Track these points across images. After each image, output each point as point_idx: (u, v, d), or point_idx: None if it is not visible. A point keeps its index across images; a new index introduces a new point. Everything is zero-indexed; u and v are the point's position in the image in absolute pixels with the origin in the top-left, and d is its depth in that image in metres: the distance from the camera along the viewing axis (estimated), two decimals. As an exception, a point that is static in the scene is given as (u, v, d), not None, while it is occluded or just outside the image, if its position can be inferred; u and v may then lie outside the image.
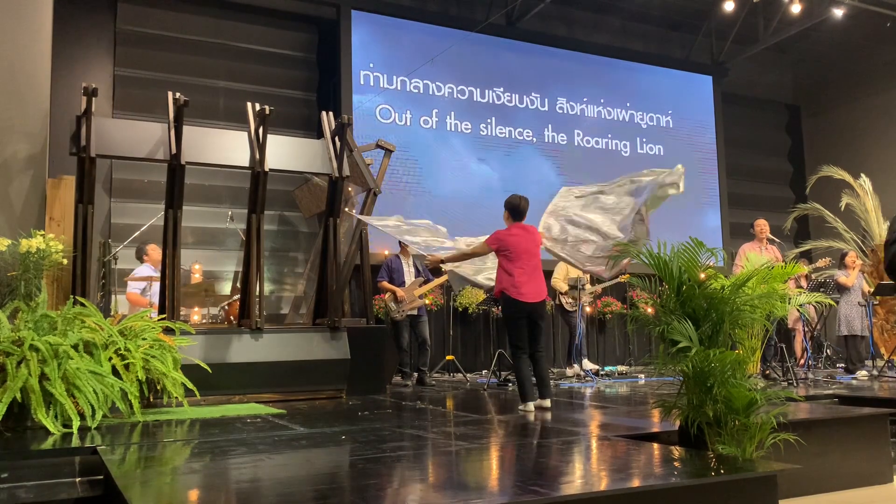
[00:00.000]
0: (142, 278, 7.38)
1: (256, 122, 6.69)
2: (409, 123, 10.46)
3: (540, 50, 11.58)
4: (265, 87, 9.86)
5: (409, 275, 7.99)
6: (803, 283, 8.82)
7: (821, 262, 8.65)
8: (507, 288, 5.35)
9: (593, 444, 4.03)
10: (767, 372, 7.72)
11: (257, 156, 6.60)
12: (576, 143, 11.70)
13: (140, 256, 7.60)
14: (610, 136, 12.03)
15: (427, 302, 8.34)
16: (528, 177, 11.08)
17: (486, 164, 10.88)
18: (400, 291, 7.85)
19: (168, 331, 5.48)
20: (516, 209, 5.56)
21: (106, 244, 7.58)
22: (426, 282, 8.00)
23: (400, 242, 8.08)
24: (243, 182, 7.61)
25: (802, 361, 8.65)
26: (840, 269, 8.83)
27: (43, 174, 6.42)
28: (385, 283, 7.98)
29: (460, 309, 9.70)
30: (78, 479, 3.48)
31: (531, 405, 5.32)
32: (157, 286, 7.04)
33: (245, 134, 6.78)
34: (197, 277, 7.95)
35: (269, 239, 9.56)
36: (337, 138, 6.98)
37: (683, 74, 12.82)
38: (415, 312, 7.94)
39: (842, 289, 8.62)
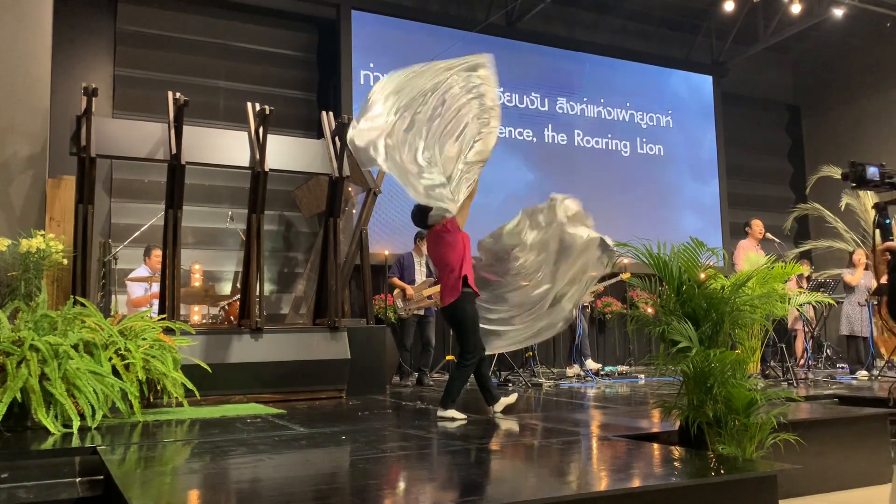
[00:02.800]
0: (138, 278, 7.37)
1: (256, 122, 6.69)
2: (409, 123, 10.44)
3: (540, 50, 11.57)
4: (265, 87, 9.86)
5: (419, 274, 8.01)
6: (803, 283, 8.82)
7: (804, 269, 8.56)
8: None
9: (593, 444, 4.03)
10: (767, 372, 7.72)
11: (257, 156, 6.60)
12: (576, 143, 11.70)
13: (145, 258, 7.60)
14: (610, 136, 12.03)
15: (429, 302, 8.35)
16: (526, 176, 11.09)
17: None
18: (409, 289, 7.86)
19: (168, 331, 5.47)
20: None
21: (106, 244, 7.59)
22: (436, 283, 8.00)
23: (415, 241, 8.07)
24: (243, 182, 7.61)
25: (802, 361, 8.65)
26: (847, 268, 8.84)
27: (43, 174, 6.42)
28: (396, 280, 7.98)
29: (460, 309, 9.68)
30: (78, 479, 3.48)
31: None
32: (156, 286, 7.05)
33: (245, 134, 6.78)
34: (197, 278, 7.96)
35: (269, 239, 9.56)
36: (337, 138, 6.98)
37: (683, 74, 12.83)
38: (421, 312, 7.94)
39: (847, 287, 8.63)
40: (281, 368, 6.29)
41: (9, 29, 6.31)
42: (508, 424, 4.82)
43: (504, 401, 5.27)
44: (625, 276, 8.74)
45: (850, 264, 8.82)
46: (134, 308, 7.29)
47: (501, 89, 11.20)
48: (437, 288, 7.95)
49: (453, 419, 4.95)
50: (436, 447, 4.07)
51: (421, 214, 5.17)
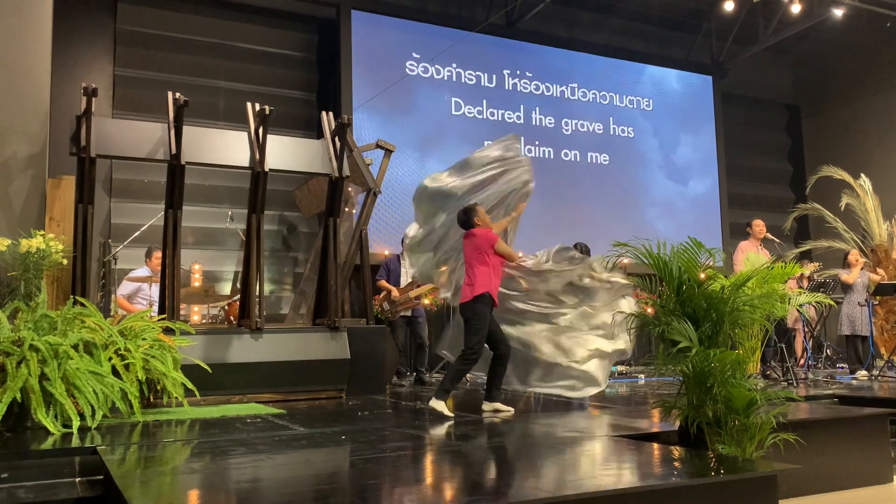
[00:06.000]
0: (138, 278, 7.37)
1: (256, 122, 6.69)
2: (409, 123, 10.45)
3: (540, 50, 11.58)
4: (265, 87, 9.86)
5: (405, 276, 8.01)
6: (804, 283, 8.82)
7: (808, 268, 8.60)
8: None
9: (593, 444, 4.03)
10: (768, 372, 7.71)
11: (257, 156, 6.60)
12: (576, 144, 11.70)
13: (146, 258, 7.60)
14: (610, 135, 12.03)
15: (427, 302, 8.35)
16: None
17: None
18: (395, 291, 7.87)
19: (168, 331, 5.47)
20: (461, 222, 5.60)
21: (106, 244, 7.59)
22: (420, 285, 8.00)
23: (403, 243, 8.06)
24: (243, 182, 7.61)
25: (802, 361, 8.65)
26: (843, 269, 8.84)
27: (43, 174, 6.42)
28: (383, 283, 8.01)
29: (460, 309, 9.69)
30: (78, 479, 3.48)
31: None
32: (155, 287, 7.04)
33: (245, 134, 6.78)
34: (197, 278, 7.96)
35: (269, 239, 9.56)
36: (337, 138, 6.98)
37: (683, 74, 12.83)
38: (409, 313, 7.96)
39: (845, 287, 8.62)
40: (281, 368, 6.29)
41: (9, 29, 6.31)
42: (508, 424, 4.82)
43: (500, 407, 5.31)
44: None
45: (846, 265, 8.81)
46: (119, 306, 7.24)
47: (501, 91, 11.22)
48: (424, 289, 7.97)
49: (442, 414, 5.05)
50: (435, 447, 4.07)
51: (465, 215, 5.48)
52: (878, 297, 8.83)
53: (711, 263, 4.14)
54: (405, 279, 8.00)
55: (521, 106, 11.33)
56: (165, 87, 7.06)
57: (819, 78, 14.01)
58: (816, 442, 4.43)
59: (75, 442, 3.99)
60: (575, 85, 11.80)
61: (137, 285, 7.37)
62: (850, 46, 12.90)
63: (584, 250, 8.87)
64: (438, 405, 5.14)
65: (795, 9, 10.86)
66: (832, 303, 8.09)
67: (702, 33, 12.79)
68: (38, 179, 6.36)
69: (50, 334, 4.57)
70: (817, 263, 8.48)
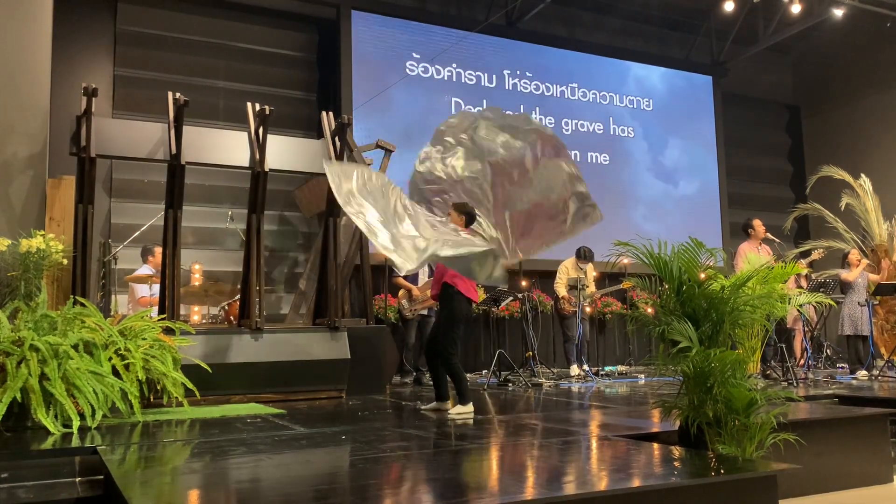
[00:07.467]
0: (141, 277, 7.37)
1: (256, 122, 6.69)
2: (409, 123, 10.44)
3: (540, 50, 11.58)
4: (265, 87, 9.85)
5: (423, 273, 8.03)
6: (803, 283, 8.81)
7: (815, 255, 8.64)
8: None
9: (593, 444, 4.03)
10: (768, 372, 7.72)
11: (257, 156, 6.61)
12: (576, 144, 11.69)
13: (145, 257, 7.60)
14: (610, 135, 12.03)
15: (433, 302, 8.36)
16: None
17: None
18: (416, 290, 7.86)
19: (168, 331, 5.48)
20: (471, 216, 5.50)
21: (106, 244, 7.59)
22: None
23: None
24: (243, 182, 7.61)
25: (802, 361, 8.65)
26: (843, 269, 8.85)
27: (43, 174, 6.42)
28: (401, 280, 8.01)
29: (460, 309, 9.68)
30: (78, 479, 3.48)
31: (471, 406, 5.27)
32: (156, 286, 7.04)
33: (245, 134, 6.79)
34: (197, 278, 7.96)
35: (269, 239, 9.55)
36: (337, 138, 6.98)
37: (683, 74, 12.83)
38: (425, 312, 7.95)
39: (845, 286, 8.61)
40: (281, 368, 6.29)
41: (9, 29, 6.31)
42: (508, 424, 4.82)
43: (440, 406, 5.43)
44: (625, 284, 8.75)
45: (846, 264, 8.81)
46: (140, 307, 7.28)
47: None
48: None
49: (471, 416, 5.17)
50: (435, 447, 4.07)
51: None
52: (878, 297, 8.83)
53: (712, 263, 4.13)
54: (423, 277, 8.01)
55: (521, 106, 11.32)
56: (165, 87, 7.06)
57: (819, 78, 14.01)
58: (816, 442, 4.43)
59: (75, 442, 3.99)
60: (575, 85, 11.80)
61: (146, 284, 7.39)
62: (850, 46, 12.90)
63: (588, 255, 8.87)
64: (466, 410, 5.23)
65: (795, 9, 10.86)
66: (832, 303, 8.09)
67: (702, 33, 12.79)
68: (38, 179, 6.36)
69: (50, 334, 4.57)
70: (810, 258, 8.49)
